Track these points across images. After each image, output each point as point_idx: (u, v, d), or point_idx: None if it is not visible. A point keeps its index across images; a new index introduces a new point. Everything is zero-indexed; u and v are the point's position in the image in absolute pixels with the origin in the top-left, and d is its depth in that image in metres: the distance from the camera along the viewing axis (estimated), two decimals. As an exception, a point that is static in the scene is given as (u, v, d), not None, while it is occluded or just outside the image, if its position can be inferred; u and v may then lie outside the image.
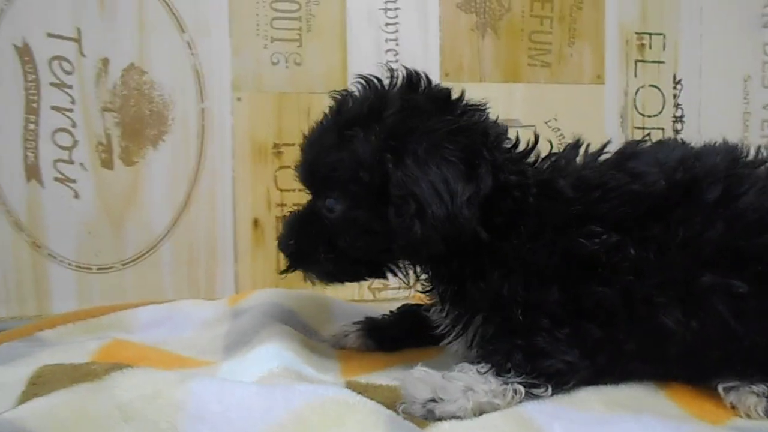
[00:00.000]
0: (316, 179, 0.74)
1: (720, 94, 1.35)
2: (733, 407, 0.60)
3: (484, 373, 0.63)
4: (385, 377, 0.72)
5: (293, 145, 1.22)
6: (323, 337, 0.88)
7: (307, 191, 0.77)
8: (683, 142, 0.75)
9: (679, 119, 1.34)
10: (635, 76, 1.33)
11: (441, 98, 0.72)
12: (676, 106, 1.34)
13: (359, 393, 0.63)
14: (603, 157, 0.74)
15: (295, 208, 0.80)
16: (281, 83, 1.21)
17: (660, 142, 0.78)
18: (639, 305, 0.65)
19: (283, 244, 0.78)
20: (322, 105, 1.25)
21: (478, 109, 0.72)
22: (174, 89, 1.17)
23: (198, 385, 0.53)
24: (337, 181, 0.70)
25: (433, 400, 0.61)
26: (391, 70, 0.75)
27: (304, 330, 0.88)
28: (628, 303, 0.65)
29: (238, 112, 1.20)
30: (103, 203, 1.15)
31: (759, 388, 0.60)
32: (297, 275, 1.21)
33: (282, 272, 0.80)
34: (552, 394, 0.63)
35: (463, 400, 0.60)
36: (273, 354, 0.71)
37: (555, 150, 0.76)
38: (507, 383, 0.62)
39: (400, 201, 0.64)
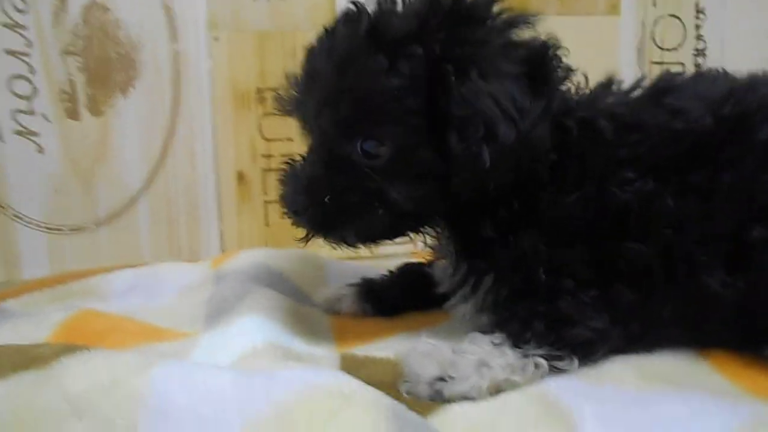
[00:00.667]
0: (357, 113, 0.58)
1: (747, 25, 1.23)
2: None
3: (500, 344, 0.54)
4: (385, 348, 0.63)
5: (278, 89, 1.11)
6: (315, 302, 0.79)
7: (323, 131, 0.61)
8: (726, 73, 0.65)
9: (701, 52, 1.22)
10: (654, 5, 1.20)
11: (487, 10, 0.60)
12: (698, 38, 1.22)
13: (356, 369, 0.56)
14: (635, 94, 0.64)
15: (295, 157, 0.66)
16: (263, 20, 1.08)
17: (699, 74, 0.69)
18: (678, 264, 0.56)
19: (294, 203, 0.63)
20: (308, 43, 1.16)
21: (526, 21, 0.60)
22: (142, 29, 1.04)
23: (162, 373, 0.44)
24: (387, 115, 0.57)
25: (442, 379, 0.52)
26: None
27: (295, 294, 0.80)
28: (666, 261, 0.56)
29: (215, 54, 1.08)
30: (71, 158, 1.04)
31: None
32: (287, 230, 1.14)
33: (302, 239, 0.67)
34: (579, 367, 0.55)
35: (477, 378, 0.52)
36: (257, 326, 0.62)
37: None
38: (527, 356, 0.54)
39: (465, 123, 0.54)
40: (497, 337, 0.54)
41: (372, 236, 0.64)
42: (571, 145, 0.59)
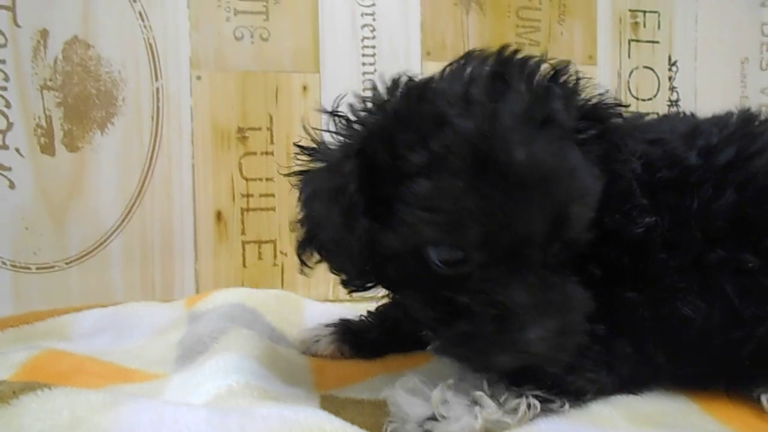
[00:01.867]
0: (571, 229, 0.50)
1: (716, 76, 1.28)
2: (784, 422, 0.51)
3: (496, 382, 0.52)
4: (367, 390, 0.61)
5: (259, 129, 1.10)
6: (292, 343, 0.76)
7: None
8: (689, 114, 0.67)
9: (674, 103, 1.26)
10: (629, 56, 1.24)
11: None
12: (672, 89, 1.26)
13: (337, 411, 0.53)
14: None
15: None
16: (246, 61, 1.09)
17: (664, 116, 0.71)
18: (663, 295, 0.55)
19: None
20: (291, 85, 1.17)
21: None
22: (124, 66, 1.04)
23: (129, 411, 0.42)
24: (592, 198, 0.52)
25: (433, 418, 0.49)
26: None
27: (271, 334, 0.77)
28: (655, 299, 0.55)
29: (197, 93, 1.07)
30: (43, 194, 1.01)
31: (812, 397, 0.50)
32: (264, 271, 1.11)
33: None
34: (568, 409, 0.53)
35: (469, 418, 0.49)
36: (232, 366, 0.59)
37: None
38: (521, 395, 0.51)
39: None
40: (493, 376, 0.52)
41: None
42: None
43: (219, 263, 1.09)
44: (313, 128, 0.60)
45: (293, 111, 1.11)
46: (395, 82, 0.55)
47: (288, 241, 1.10)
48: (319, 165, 0.57)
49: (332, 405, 0.56)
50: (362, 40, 1.13)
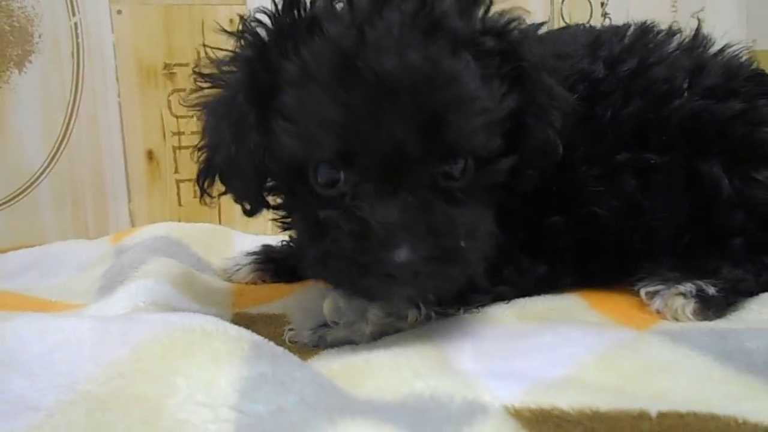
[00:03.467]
0: (444, 124, 0.47)
1: (649, 1, 1.28)
2: (659, 312, 0.54)
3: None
4: (278, 308, 0.63)
5: (186, 65, 1.08)
6: (215, 271, 0.77)
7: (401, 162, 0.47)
8: (589, 25, 0.69)
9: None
10: (561, -18, 1.24)
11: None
12: (604, 15, 1.27)
13: (246, 325, 0.54)
14: None
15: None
16: (168, -7, 1.06)
17: (564, 27, 0.72)
18: (583, 209, 0.58)
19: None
20: (218, 18, 1.13)
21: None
22: (38, 0, 1.00)
23: (16, 325, 0.42)
24: (478, 109, 0.48)
25: (326, 325, 0.52)
26: None
27: (196, 263, 0.78)
28: (577, 215, 0.58)
29: (119, 28, 1.04)
30: (-38, 136, 0.98)
31: (685, 287, 0.54)
32: (200, 209, 1.11)
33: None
34: (463, 313, 0.55)
35: (361, 323, 0.51)
36: (143, 289, 0.60)
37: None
38: (417, 307, 0.53)
39: (546, 105, 0.53)
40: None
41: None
42: None
43: (153, 202, 1.09)
44: (212, 49, 0.59)
45: (221, 45, 1.09)
46: None
47: (223, 178, 1.10)
48: (217, 91, 0.56)
49: (243, 320, 0.58)
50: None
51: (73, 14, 1.02)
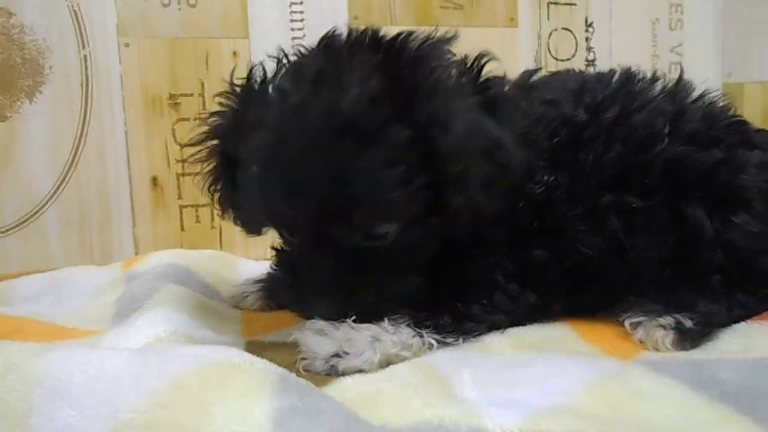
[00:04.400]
0: (367, 214, 0.55)
1: (630, 37, 1.35)
2: (641, 342, 0.59)
3: (398, 322, 0.58)
4: (289, 335, 0.66)
5: (191, 95, 1.12)
6: (224, 299, 0.81)
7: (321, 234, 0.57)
8: (578, 71, 0.74)
9: (591, 63, 1.33)
10: (548, 18, 1.30)
11: (430, 50, 0.59)
12: (589, 49, 1.33)
13: (260, 353, 0.59)
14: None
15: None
16: (174, 27, 1.10)
17: (554, 73, 0.76)
18: (567, 245, 0.63)
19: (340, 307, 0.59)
20: (221, 51, 1.18)
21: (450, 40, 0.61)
22: (49, 33, 1.04)
23: (59, 357, 0.46)
24: (400, 202, 0.55)
25: (337, 355, 0.56)
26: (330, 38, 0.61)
27: (204, 290, 0.81)
28: (561, 250, 0.63)
29: (126, 60, 1.08)
30: (-27, 164, 1.02)
31: (665, 320, 0.59)
32: (202, 234, 1.15)
33: None
34: (462, 342, 0.60)
35: (370, 353, 0.56)
36: (162, 318, 0.64)
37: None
38: (421, 336, 0.58)
39: (461, 175, 0.55)
40: (401, 317, 0.59)
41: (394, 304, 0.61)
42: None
43: (157, 228, 1.12)
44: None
45: (224, 76, 1.13)
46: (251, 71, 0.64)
47: (224, 204, 1.14)
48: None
49: (255, 348, 0.62)
50: (290, 5, 1.15)
51: (83, 47, 1.06)
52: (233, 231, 0.91)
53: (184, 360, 0.45)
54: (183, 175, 1.12)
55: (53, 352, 0.47)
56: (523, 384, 0.51)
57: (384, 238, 0.57)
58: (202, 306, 0.73)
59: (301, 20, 1.16)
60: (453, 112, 0.56)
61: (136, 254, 1.10)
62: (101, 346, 0.65)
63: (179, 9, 1.10)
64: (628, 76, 0.71)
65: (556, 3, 1.30)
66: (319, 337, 0.57)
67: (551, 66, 1.31)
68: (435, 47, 0.60)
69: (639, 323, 0.60)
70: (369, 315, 0.58)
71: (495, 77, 0.62)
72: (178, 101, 1.12)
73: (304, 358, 0.57)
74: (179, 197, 1.13)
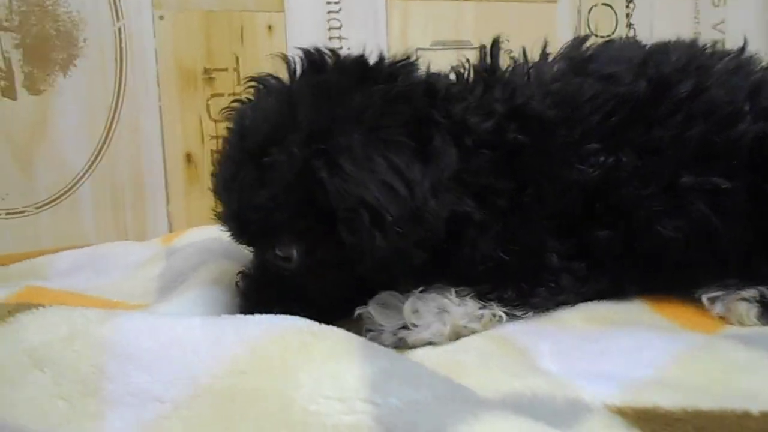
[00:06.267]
0: (252, 231, 0.58)
1: (672, 13, 1.31)
2: (721, 317, 0.56)
3: (464, 294, 0.56)
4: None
5: (225, 70, 1.10)
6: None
7: (247, 247, 0.64)
8: (633, 40, 0.70)
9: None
10: (588, -7, 1.27)
11: (358, 69, 0.58)
12: (629, 26, 1.29)
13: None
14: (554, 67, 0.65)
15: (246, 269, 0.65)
16: (208, 0, 1.07)
17: (608, 42, 0.70)
18: (639, 223, 0.59)
19: None
20: (256, 25, 1.16)
21: (407, 66, 0.59)
22: (84, 5, 1.01)
23: (128, 322, 0.44)
24: (279, 223, 0.55)
25: (405, 327, 0.54)
26: (284, 57, 0.61)
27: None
28: (628, 230, 0.59)
29: (160, 33, 1.06)
30: (7, 138, 0.99)
31: (748, 293, 0.56)
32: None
33: None
34: (532, 315, 0.58)
35: (438, 324, 0.53)
36: (212, 299, 0.62)
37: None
38: (486, 307, 0.56)
39: (350, 215, 0.51)
40: (463, 290, 0.56)
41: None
42: (515, 148, 0.58)
43: (191, 205, 1.10)
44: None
45: (259, 51, 1.11)
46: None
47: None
48: None
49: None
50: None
51: (117, 19, 1.03)
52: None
53: (261, 327, 0.43)
54: (217, 151, 1.10)
55: (120, 317, 0.45)
56: (607, 357, 0.48)
57: (288, 261, 0.57)
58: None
59: (338, -6, 1.13)
60: (355, 145, 0.51)
61: (171, 232, 1.09)
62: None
63: (214, -19, 1.07)
64: (692, 47, 0.67)
65: (596, -23, 1.26)
66: (386, 310, 0.55)
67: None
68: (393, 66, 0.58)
69: (716, 297, 0.57)
70: None
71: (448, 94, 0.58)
72: (213, 76, 1.09)
73: (370, 330, 0.55)
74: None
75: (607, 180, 0.58)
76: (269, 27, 1.11)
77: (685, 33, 1.33)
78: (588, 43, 0.68)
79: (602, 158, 0.58)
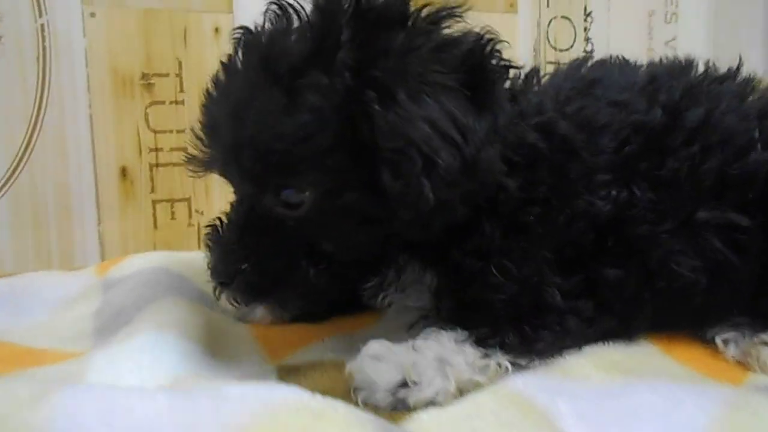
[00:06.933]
0: (263, 165, 0.49)
1: (627, 28, 1.31)
2: (737, 361, 0.52)
3: (462, 341, 0.49)
4: (321, 352, 0.56)
5: (166, 75, 0.99)
6: (224, 310, 0.69)
7: (238, 185, 0.54)
8: (624, 61, 0.66)
9: (589, 54, 1.28)
10: (547, 6, 1.24)
11: (404, 9, 0.50)
12: (587, 40, 1.28)
13: (299, 380, 0.49)
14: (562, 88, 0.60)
15: (225, 212, 0.56)
16: (148, -4, 0.96)
17: (601, 62, 0.65)
18: (653, 264, 0.54)
19: (219, 274, 0.54)
20: (201, 26, 1.05)
21: (453, 14, 0.51)
22: (-1, -2, 0.88)
23: (67, 402, 0.34)
24: (300, 159, 0.48)
25: (404, 384, 0.46)
26: None
27: (202, 299, 0.69)
28: (642, 269, 0.54)
29: (91, 32, 0.94)
30: None
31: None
32: (178, 233, 1.02)
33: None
34: (538, 364, 0.52)
35: (442, 380, 0.46)
36: (168, 345, 0.52)
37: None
38: (488, 356, 0.49)
39: (398, 157, 0.45)
40: (460, 334, 0.50)
41: (316, 298, 0.56)
42: (543, 150, 0.53)
43: (126, 225, 0.98)
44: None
45: (205, 56, 1.01)
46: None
47: (204, 199, 1.01)
48: None
49: (291, 375, 0.52)
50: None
51: (40, 15, 0.91)
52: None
53: (246, 406, 0.34)
54: (157, 165, 0.99)
55: (57, 395, 0.35)
56: (636, 419, 0.43)
57: (300, 205, 0.50)
58: (207, 322, 0.62)
59: (291, -4, 1.04)
60: (407, 79, 0.46)
61: (103, 255, 0.96)
62: (90, 375, 0.52)
63: (154, -25, 0.96)
64: (691, 67, 0.63)
65: (556, -11, 1.24)
66: (378, 364, 0.47)
67: (550, 56, 1.25)
68: (435, 13, 0.51)
69: (729, 339, 0.53)
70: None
71: (504, 64, 0.52)
72: (152, 81, 0.98)
73: (361, 389, 0.47)
74: (152, 191, 1.00)
75: (620, 215, 0.53)
76: (216, 29, 1.01)
77: (639, 48, 1.33)
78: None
79: (614, 191, 0.53)
